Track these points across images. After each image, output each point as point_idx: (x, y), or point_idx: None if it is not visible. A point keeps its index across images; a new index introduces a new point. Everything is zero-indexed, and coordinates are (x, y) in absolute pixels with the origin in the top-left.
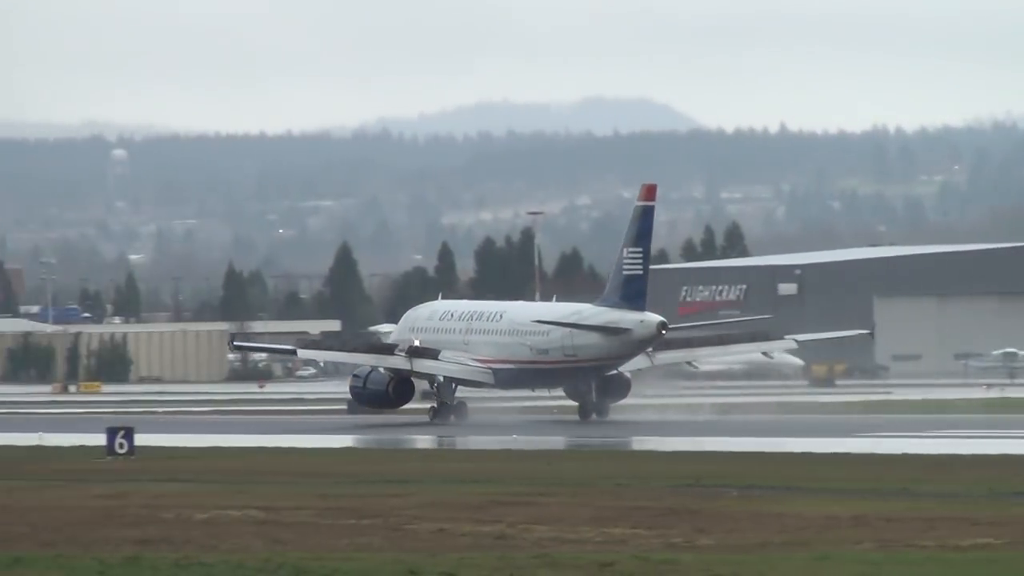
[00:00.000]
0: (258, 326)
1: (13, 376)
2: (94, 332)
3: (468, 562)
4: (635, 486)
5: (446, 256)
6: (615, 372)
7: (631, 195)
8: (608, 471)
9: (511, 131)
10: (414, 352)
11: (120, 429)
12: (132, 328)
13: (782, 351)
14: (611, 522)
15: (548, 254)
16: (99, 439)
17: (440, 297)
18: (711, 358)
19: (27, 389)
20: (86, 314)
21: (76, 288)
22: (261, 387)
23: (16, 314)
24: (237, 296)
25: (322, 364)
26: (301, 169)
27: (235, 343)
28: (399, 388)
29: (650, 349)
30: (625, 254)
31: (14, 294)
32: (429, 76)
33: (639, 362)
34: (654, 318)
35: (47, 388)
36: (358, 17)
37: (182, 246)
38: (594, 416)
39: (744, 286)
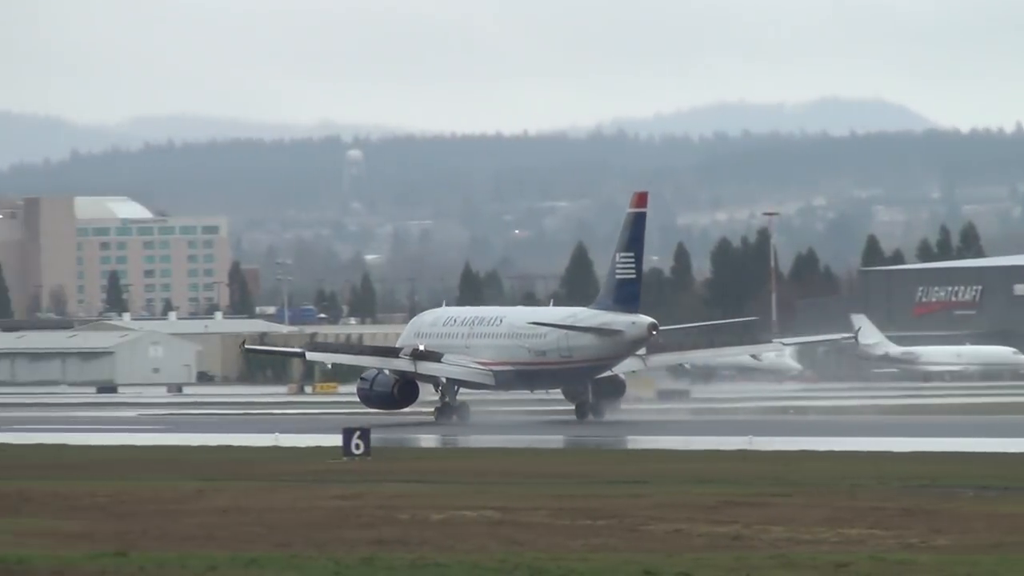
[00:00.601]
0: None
1: (250, 377)
2: (330, 333)
3: (704, 562)
4: (870, 487)
5: (682, 257)
6: (611, 374)
7: (867, 196)
8: (844, 472)
9: (746, 131)
10: (418, 355)
11: (356, 430)
12: (367, 329)
13: (769, 354)
14: (847, 522)
15: (784, 255)
16: (335, 440)
17: (444, 304)
18: (701, 360)
19: (263, 390)
20: (322, 315)
21: (312, 289)
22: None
23: (252, 315)
24: (473, 297)
25: (329, 366)
26: (537, 170)
27: (246, 347)
28: (404, 390)
29: (643, 352)
30: (618, 259)
31: (250, 295)
32: (664, 77)
33: (633, 364)
34: (645, 320)
35: (283, 389)
36: (593, 19)
37: (418, 247)
38: (591, 417)
39: (980, 287)
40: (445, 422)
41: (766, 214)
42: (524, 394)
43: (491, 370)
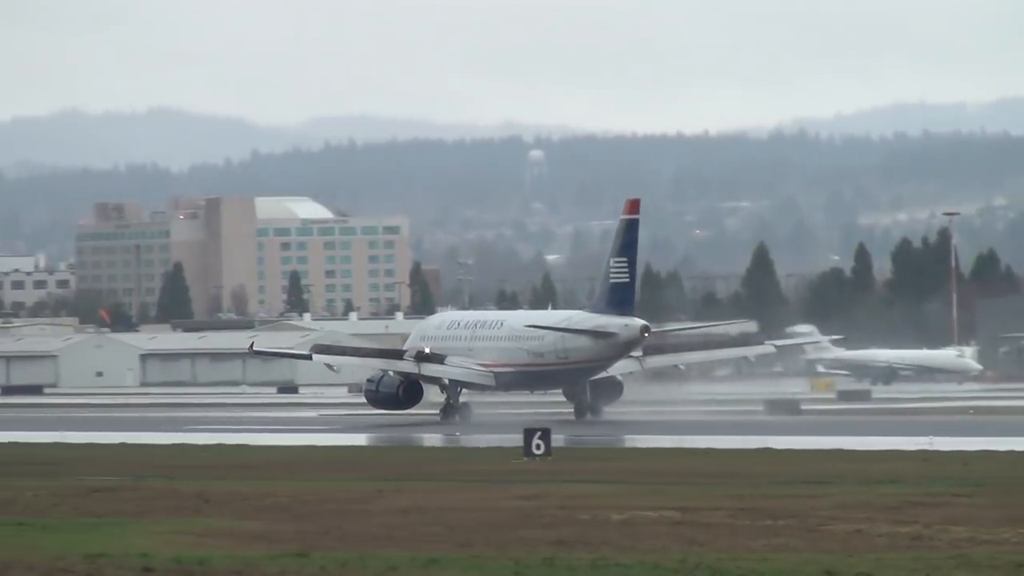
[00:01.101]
0: (674, 327)
1: None
2: None
3: (884, 563)
4: None
5: (862, 257)
6: (609, 376)
7: None
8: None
9: (927, 131)
10: (421, 357)
11: (537, 430)
12: None
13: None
14: None
15: (964, 255)
16: (516, 440)
17: (449, 308)
18: (697, 362)
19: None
20: None
21: (493, 289)
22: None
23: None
24: (654, 296)
25: (336, 368)
26: (718, 169)
27: (254, 349)
28: (408, 391)
29: (640, 354)
30: (612, 263)
31: (431, 295)
32: (845, 78)
33: (630, 366)
34: (637, 322)
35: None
36: (773, 20)
37: (598, 246)
38: (588, 416)
39: None
40: (449, 422)
41: (946, 214)
42: (523, 395)
43: (492, 372)
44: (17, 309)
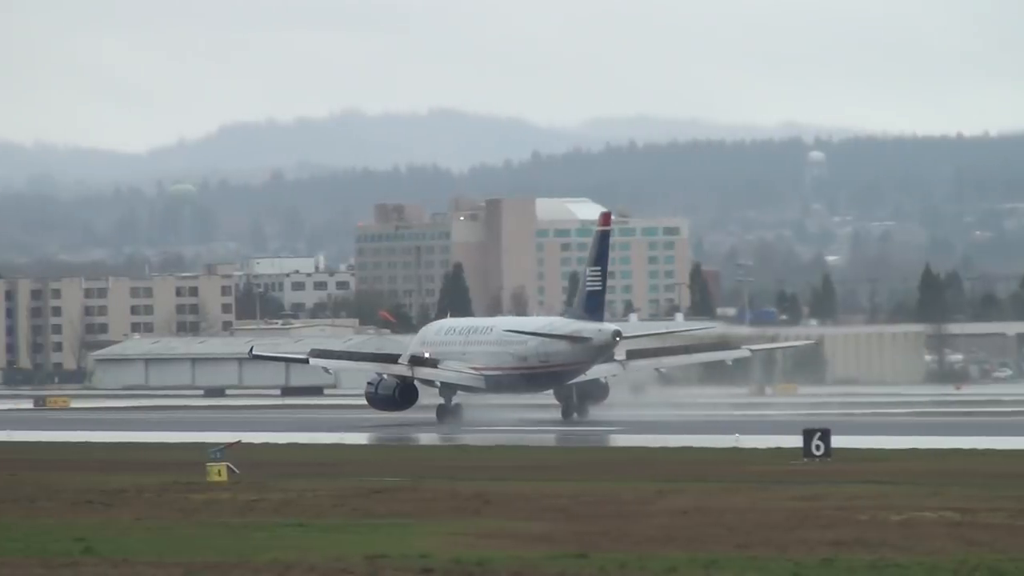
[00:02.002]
0: (954, 328)
1: (709, 379)
2: (790, 334)
3: None
4: None
5: None
6: (595, 378)
7: None
8: None
9: None
10: (415, 361)
11: (816, 431)
12: (828, 330)
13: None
14: None
15: None
16: (795, 441)
17: (449, 315)
18: (675, 364)
19: (723, 391)
20: (783, 316)
21: (772, 290)
22: (958, 389)
23: (712, 316)
24: (934, 298)
25: (331, 372)
26: (999, 170)
27: (253, 352)
28: (405, 393)
29: (623, 358)
30: (587, 272)
31: (710, 296)
32: None
33: (614, 369)
34: (610, 327)
35: (743, 390)
36: None
37: (878, 247)
38: (575, 416)
39: None
40: (444, 422)
41: None
42: (518, 397)
43: (483, 375)
44: (297, 310)
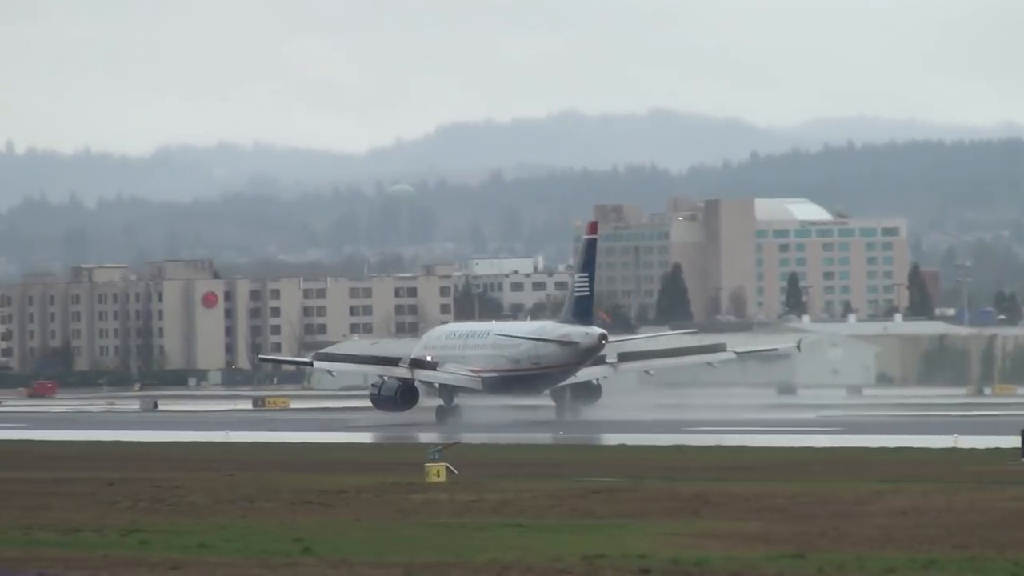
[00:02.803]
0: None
1: (927, 378)
2: (1008, 334)
3: None
4: None
5: None
6: (587, 380)
7: None
8: None
9: None
10: (416, 364)
11: None
12: None
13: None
14: None
15: None
16: (1013, 441)
17: (452, 320)
18: (663, 367)
19: (941, 391)
20: (1001, 316)
21: (991, 290)
22: None
23: (931, 316)
24: None
25: (333, 374)
26: None
27: (260, 357)
28: (406, 394)
29: (615, 360)
30: (576, 278)
31: (929, 297)
32: None
33: (605, 371)
34: (596, 331)
35: (961, 391)
36: None
37: None
38: (568, 416)
39: None
40: (444, 422)
41: None
42: (519, 399)
43: (480, 377)
44: (516, 311)
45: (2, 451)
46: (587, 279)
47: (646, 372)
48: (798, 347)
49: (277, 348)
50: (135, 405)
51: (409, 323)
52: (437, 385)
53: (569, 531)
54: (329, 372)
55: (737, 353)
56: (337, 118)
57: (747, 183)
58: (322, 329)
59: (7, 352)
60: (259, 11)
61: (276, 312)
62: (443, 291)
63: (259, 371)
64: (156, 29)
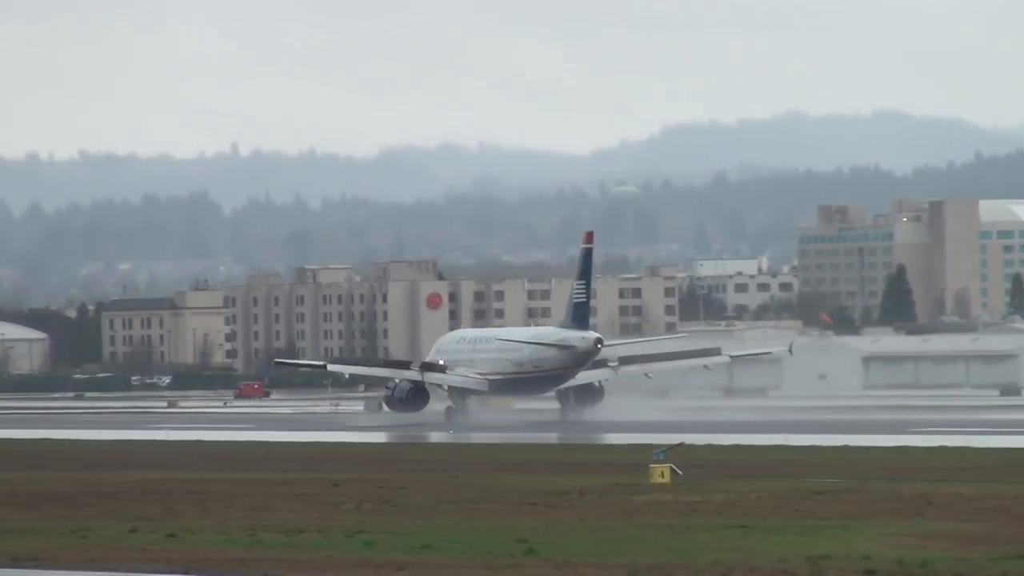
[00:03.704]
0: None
1: None
2: None
3: None
4: None
5: None
6: (590, 383)
7: None
8: None
9: None
10: (426, 367)
11: None
12: None
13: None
14: None
15: None
16: None
17: (462, 326)
18: (662, 370)
19: None
20: None
21: None
22: None
23: None
24: None
25: (347, 376)
26: None
27: (276, 360)
28: (417, 395)
29: (615, 363)
30: (574, 287)
31: None
32: None
33: (606, 373)
34: (592, 335)
35: None
36: None
37: None
38: (571, 416)
39: None
40: (451, 421)
41: None
42: (522, 400)
43: (487, 379)
44: (740, 312)
45: (227, 451)
46: (584, 287)
47: (645, 375)
48: (790, 351)
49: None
50: (359, 406)
51: (633, 324)
52: (446, 387)
53: (793, 532)
54: (343, 375)
55: (732, 356)
56: (561, 119)
57: (971, 184)
58: None
59: (232, 353)
60: (481, 13)
61: (500, 313)
62: (667, 292)
63: None
64: (380, 31)
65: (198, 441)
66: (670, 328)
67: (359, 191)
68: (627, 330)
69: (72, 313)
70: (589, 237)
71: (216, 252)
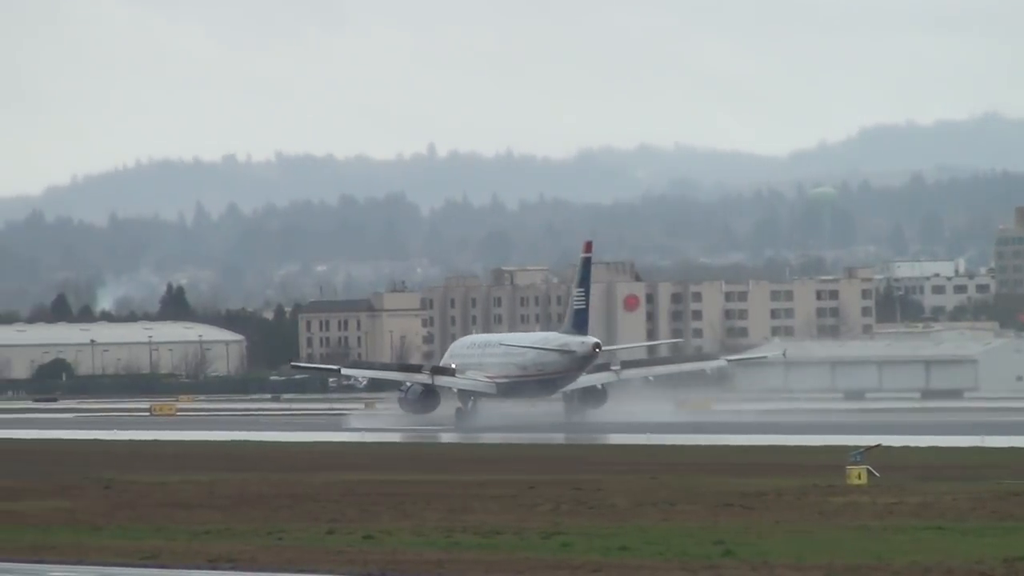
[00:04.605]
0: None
1: None
2: None
3: None
4: None
5: None
6: (593, 385)
7: None
8: None
9: None
10: (436, 370)
11: None
12: None
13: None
14: None
15: None
16: None
17: (473, 332)
18: (662, 373)
19: None
20: None
21: None
22: None
23: None
24: None
25: (362, 380)
26: None
27: (292, 363)
28: (428, 397)
29: (618, 367)
30: (574, 294)
31: None
32: None
33: (608, 376)
34: (591, 340)
35: None
36: None
37: None
38: (576, 417)
39: None
40: (461, 423)
41: None
42: (526, 402)
43: (494, 382)
44: (937, 313)
45: (420, 452)
46: (583, 294)
47: (647, 378)
48: (783, 354)
49: (698, 351)
50: (558, 407)
51: (830, 326)
52: (456, 389)
53: (990, 534)
54: (356, 379)
55: (728, 361)
56: (757, 121)
57: None
58: (743, 332)
59: (429, 355)
60: (675, 15)
61: (698, 315)
62: (864, 294)
63: None
64: (576, 33)
65: (391, 443)
66: (866, 330)
67: (556, 192)
68: (824, 332)
69: (269, 315)
70: (588, 247)
71: (413, 253)
